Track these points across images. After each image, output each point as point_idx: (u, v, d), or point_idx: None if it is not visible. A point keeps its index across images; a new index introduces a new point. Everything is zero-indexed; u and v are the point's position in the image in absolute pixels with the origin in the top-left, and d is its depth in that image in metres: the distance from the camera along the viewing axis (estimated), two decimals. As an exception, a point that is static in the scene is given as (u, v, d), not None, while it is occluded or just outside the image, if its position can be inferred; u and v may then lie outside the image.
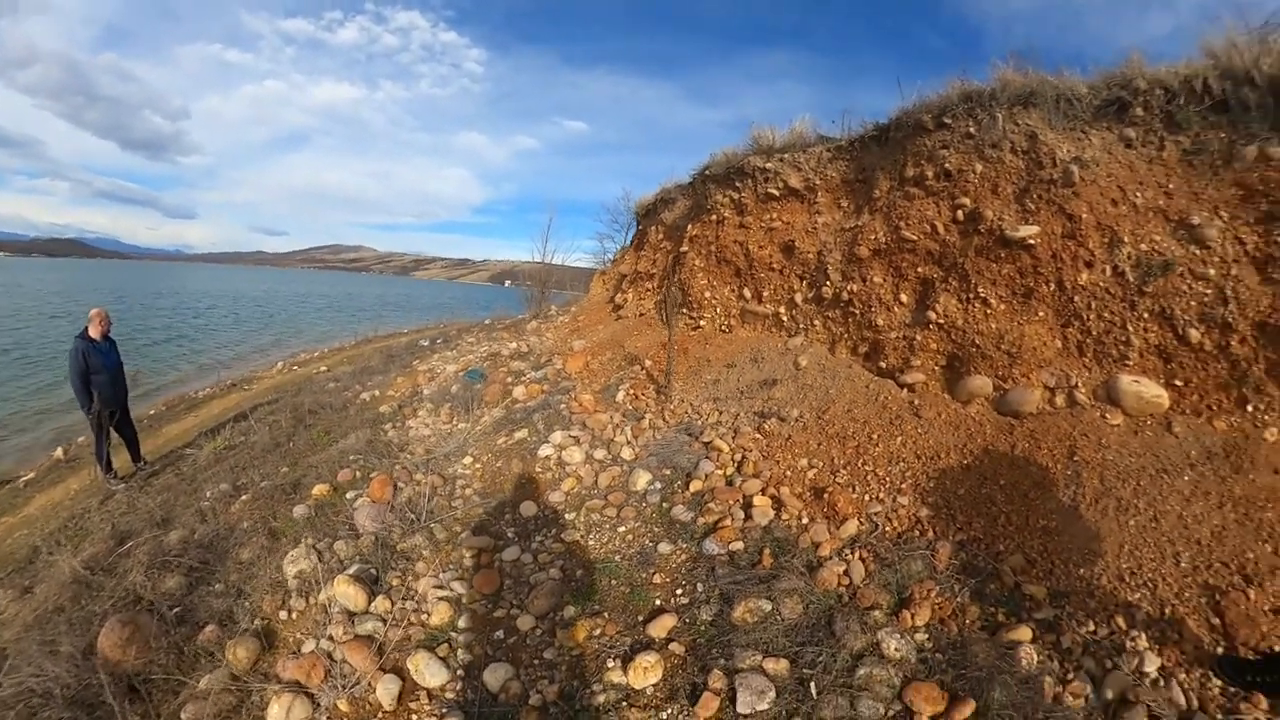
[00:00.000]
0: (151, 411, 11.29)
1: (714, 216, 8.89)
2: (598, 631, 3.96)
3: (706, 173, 9.31)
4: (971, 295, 5.79)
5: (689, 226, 9.52)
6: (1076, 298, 5.21)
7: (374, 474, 5.97)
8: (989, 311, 5.65)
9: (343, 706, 3.60)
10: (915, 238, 6.30)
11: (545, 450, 6.29)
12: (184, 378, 15.20)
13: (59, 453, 8.72)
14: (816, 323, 7.36)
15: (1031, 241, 5.41)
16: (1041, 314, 5.38)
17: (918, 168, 6.48)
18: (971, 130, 6.07)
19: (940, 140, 6.33)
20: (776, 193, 8.05)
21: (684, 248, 9.42)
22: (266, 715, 3.55)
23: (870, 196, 7.10)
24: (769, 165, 8.09)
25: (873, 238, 6.73)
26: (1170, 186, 5.05)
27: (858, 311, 6.81)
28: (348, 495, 5.80)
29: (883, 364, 6.40)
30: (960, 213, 6.02)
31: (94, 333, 7.15)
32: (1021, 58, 6.04)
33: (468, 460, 6.44)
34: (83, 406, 7.10)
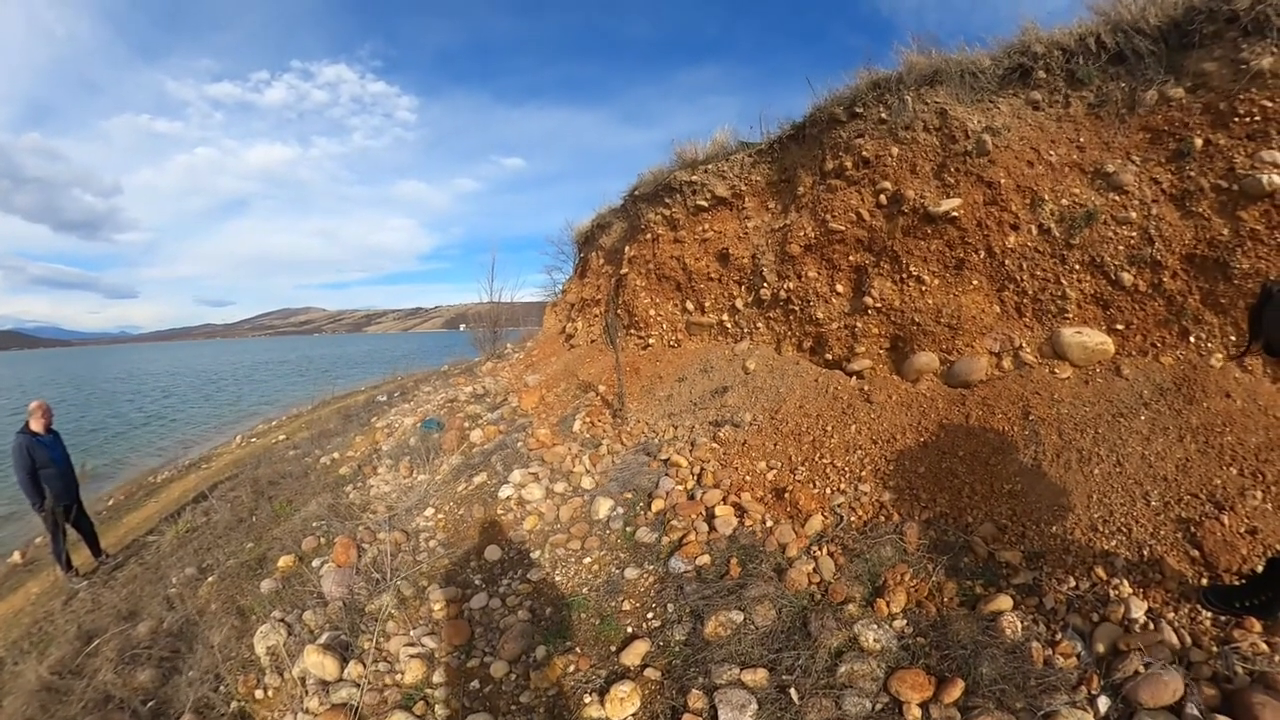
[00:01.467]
0: (110, 502, 10.72)
1: (649, 235, 8.87)
2: (571, 668, 3.76)
3: (636, 193, 9.31)
4: (905, 275, 5.78)
5: (626, 248, 9.50)
6: (1007, 261, 5.22)
7: (337, 538, 5.74)
8: (924, 288, 5.63)
9: (326, 779, 3.36)
10: (843, 228, 6.29)
11: (505, 491, 6.09)
12: (142, 463, 14.55)
13: (16, 557, 8.14)
14: (760, 325, 7.29)
15: (955, 214, 5.44)
16: (976, 282, 5.37)
17: (836, 159, 6.52)
18: (883, 116, 6.12)
19: (855, 130, 6.38)
20: (706, 204, 8.05)
21: (624, 269, 9.37)
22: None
23: (795, 194, 7.12)
24: (695, 178, 8.11)
25: (802, 234, 6.71)
26: (1081, 140, 5.14)
27: (797, 308, 6.76)
28: (314, 563, 5.59)
29: (829, 356, 6.33)
30: (883, 197, 6.03)
31: (36, 426, 6.70)
32: (924, 40, 6.15)
33: (429, 512, 6.23)
34: (34, 505, 6.64)
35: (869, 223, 6.13)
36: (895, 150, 5.98)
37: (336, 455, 9.09)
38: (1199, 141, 4.51)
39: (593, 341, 10.40)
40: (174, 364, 63.08)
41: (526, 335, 16.49)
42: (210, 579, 5.81)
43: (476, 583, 4.92)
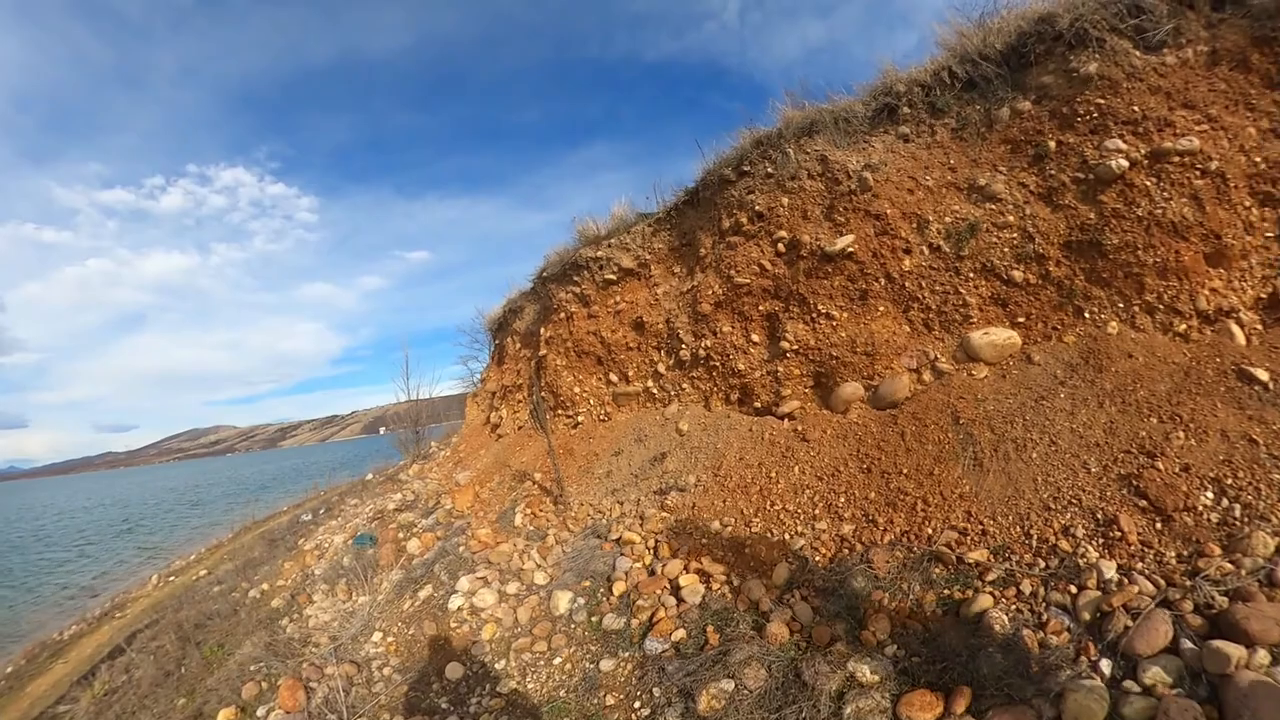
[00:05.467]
0: (9, 669, 9.48)
1: (562, 314, 8.90)
2: (566, 781, 3.46)
3: (545, 274, 9.40)
4: (815, 314, 5.99)
5: (541, 329, 9.48)
6: (907, 283, 5.50)
7: (281, 680, 5.26)
8: (835, 323, 5.84)
9: None
10: (748, 280, 6.50)
11: (455, 601, 5.71)
12: (42, 619, 12.77)
13: None
14: (685, 385, 7.34)
15: (851, 249, 5.72)
16: (882, 308, 5.62)
17: (732, 217, 6.79)
18: (770, 170, 6.47)
19: (745, 186, 6.70)
20: (614, 277, 8.18)
21: (542, 351, 9.31)
22: None
23: (698, 256, 7.33)
24: (600, 253, 8.26)
25: (710, 292, 6.88)
26: (952, 162, 5.58)
27: (718, 363, 6.86)
28: (258, 712, 5.06)
29: (757, 404, 6.42)
30: (781, 245, 6.30)
31: None
32: (798, 95, 6.62)
33: (377, 637, 5.76)
34: None
35: (772, 271, 6.35)
36: (785, 200, 6.28)
37: (266, 586, 8.38)
38: (1052, 144, 5.01)
39: (520, 428, 10.19)
40: (78, 499, 56.68)
41: (450, 430, 15.86)
42: (140, 749, 5.15)
43: (443, 706, 4.56)
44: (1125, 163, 4.60)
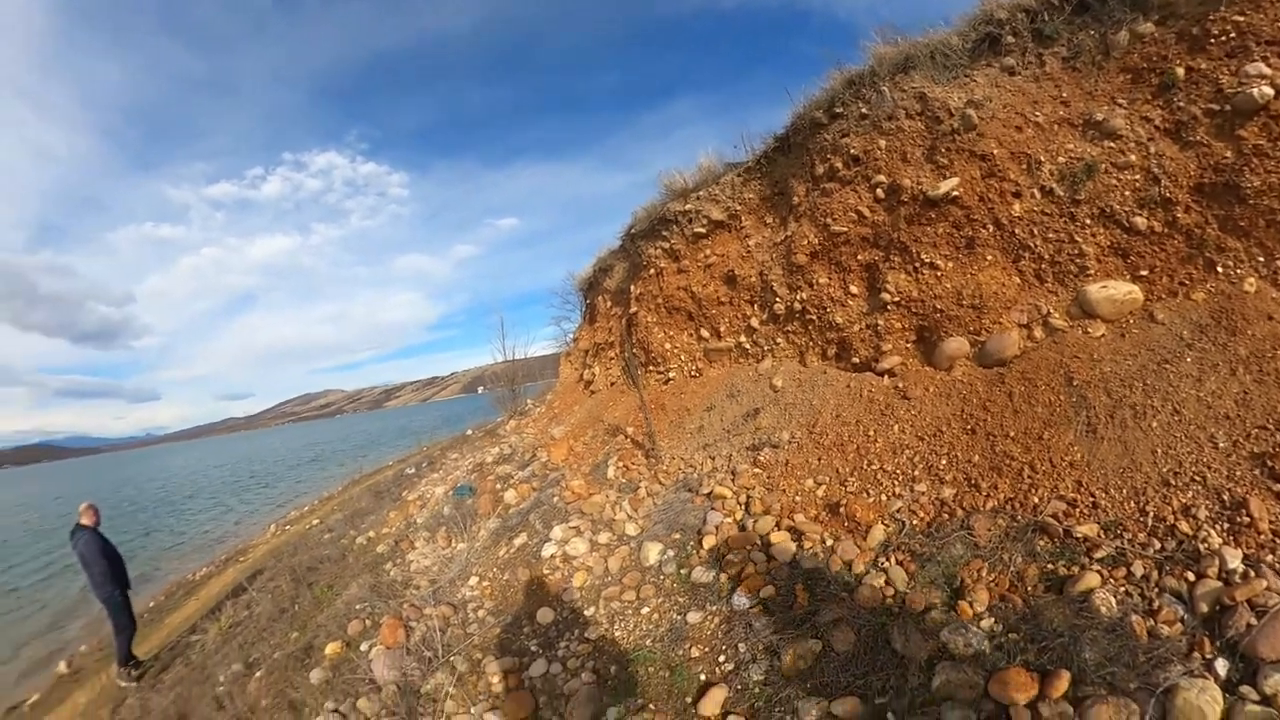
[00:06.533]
0: (151, 604, 10.58)
1: (651, 270, 8.86)
2: (647, 728, 3.55)
3: (634, 231, 9.35)
4: (918, 264, 5.68)
5: (632, 287, 9.50)
6: (1017, 230, 5.12)
7: (383, 619, 5.66)
8: (939, 273, 5.52)
9: None
10: (845, 228, 6.22)
11: (549, 549, 5.96)
12: (179, 562, 14.48)
13: (62, 667, 8.08)
14: (779, 340, 7.19)
15: (955, 194, 5.36)
16: (990, 257, 5.26)
17: (826, 162, 6.49)
18: (864, 111, 6.11)
19: (839, 130, 6.37)
20: (704, 230, 8.04)
21: (633, 308, 9.35)
22: None
23: (791, 204, 7.08)
24: (689, 207, 8.12)
25: (805, 242, 6.65)
26: (1064, 95, 5.08)
27: (815, 317, 6.66)
28: (362, 647, 5.46)
29: (855, 359, 6.21)
30: (880, 190, 5.97)
31: (88, 521, 6.88)
32: (888, 31, 6.18)
33: (474, 581, 6.09)
34: (108, 596, 6.76)
35: (871, 219, 6.06)
36: (883, 142, 5.94)
37: (372, 534, 9.03)
38: (1180, 71, 4.48)
39: (612, 384, 10.36)
40: (205, 461, 62.58)
41: (546, 388, 16.42)
42: (259, 674, 5.76)
43: (533, 649, 4.77)
44: (1269, 90, 4.04)
